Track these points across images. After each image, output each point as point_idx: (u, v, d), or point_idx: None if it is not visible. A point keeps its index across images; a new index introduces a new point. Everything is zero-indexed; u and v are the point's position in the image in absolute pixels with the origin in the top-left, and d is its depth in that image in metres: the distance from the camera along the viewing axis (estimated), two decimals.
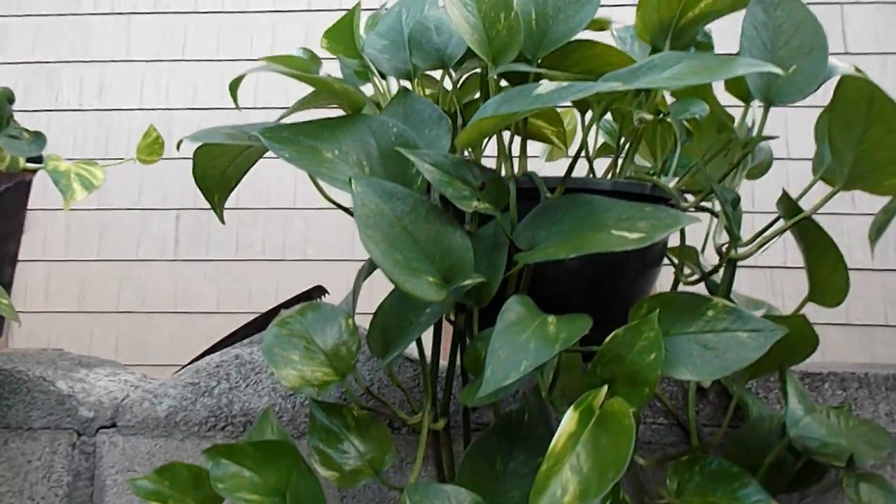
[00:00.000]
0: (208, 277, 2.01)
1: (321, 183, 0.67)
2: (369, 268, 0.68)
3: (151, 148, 0.80)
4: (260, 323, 0.95)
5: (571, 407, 0.46)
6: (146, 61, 2.06)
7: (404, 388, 0.64)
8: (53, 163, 0.73)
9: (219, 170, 0.69)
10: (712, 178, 0.60)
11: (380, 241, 0.52)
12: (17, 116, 0.79)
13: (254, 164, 0.71)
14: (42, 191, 1.98)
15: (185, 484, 0.48)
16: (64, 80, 2.08)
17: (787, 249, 1.86)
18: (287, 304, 0.95)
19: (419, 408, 0.64)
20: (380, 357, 0.60)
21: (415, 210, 0.55)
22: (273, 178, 1.96)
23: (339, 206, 0.67)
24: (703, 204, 0.70)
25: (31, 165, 0.78)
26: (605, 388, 0.48)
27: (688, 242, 0.69)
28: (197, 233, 2.01)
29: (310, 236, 1.98)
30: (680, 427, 0.67)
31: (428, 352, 0.64)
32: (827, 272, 0.63)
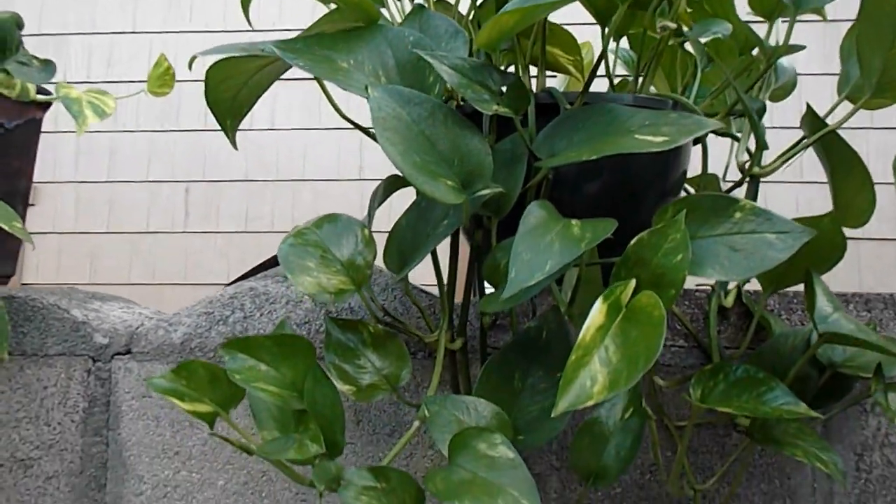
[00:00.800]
0: (218, 249, 2.01)
1: (336, 102, 0.66)
2: (384, 191, 0.67)
3: (162, 79, 0.80)
4: (269, 264, 0.94)
5: (600, 298, 0.45)
6: (153, 32, 2.05)
7: (421, 307, 0.63)
8: (65, 90, 0.73)
9: (231, 92, 0.68)
10: (739, 89, 0.59)
11: (398, 142, 0.51)
12: None
13: (267, 88, 0.69)
14: (52, 164, 1.98)
15: (202, 382, 0.48)
16: (72, 53, 2.07)
17: (799, 213, 1.84)
18: None
19: (436, 328, 0.63)
20: (396, 272, 0.59)
21: (433, 115, 0.54)
22: (282, 149, 1.95)
23: (356, 125, 0.66)
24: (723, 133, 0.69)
25: (41, 98, 0.78)
26: (633, 281, 0.47)
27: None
28: (206, 205, 2.00)
29: (318, 207, 1.97)
30: (700, 350, 0.66)
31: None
32: (854, 189, 0.62)
